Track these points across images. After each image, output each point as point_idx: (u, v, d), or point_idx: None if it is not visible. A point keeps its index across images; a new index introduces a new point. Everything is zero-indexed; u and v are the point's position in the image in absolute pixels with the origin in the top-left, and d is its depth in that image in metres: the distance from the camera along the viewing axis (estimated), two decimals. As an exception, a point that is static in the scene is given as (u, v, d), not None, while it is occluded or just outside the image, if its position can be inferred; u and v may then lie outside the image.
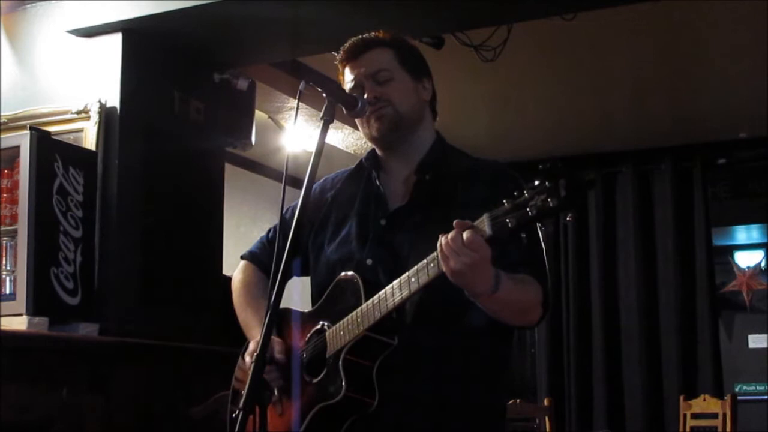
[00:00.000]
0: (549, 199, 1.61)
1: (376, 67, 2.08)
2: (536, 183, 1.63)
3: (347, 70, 2.11)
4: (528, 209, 1.63)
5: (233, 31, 4.05)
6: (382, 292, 1.88)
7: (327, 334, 1.99)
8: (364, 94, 2.06)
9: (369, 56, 2.10)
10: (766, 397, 8.59)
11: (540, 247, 1.97)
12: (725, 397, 5.24)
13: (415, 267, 1.82)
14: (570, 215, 1.62)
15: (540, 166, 1.62)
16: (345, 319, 1.95)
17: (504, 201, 1.68)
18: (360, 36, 2.13)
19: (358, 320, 1.91)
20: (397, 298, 1.85)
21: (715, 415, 5.20)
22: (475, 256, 1.71)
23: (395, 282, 1.86)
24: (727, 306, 8.83)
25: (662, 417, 6.41)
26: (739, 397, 5.45)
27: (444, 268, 1.74)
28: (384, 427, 1.93)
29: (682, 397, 5.49)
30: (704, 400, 5.36)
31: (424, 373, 1.95)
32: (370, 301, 1.90)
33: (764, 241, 8.95)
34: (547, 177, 1.61)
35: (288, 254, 1.82)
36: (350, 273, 2.00)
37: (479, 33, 4.50)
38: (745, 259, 9.17)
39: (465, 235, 1.71)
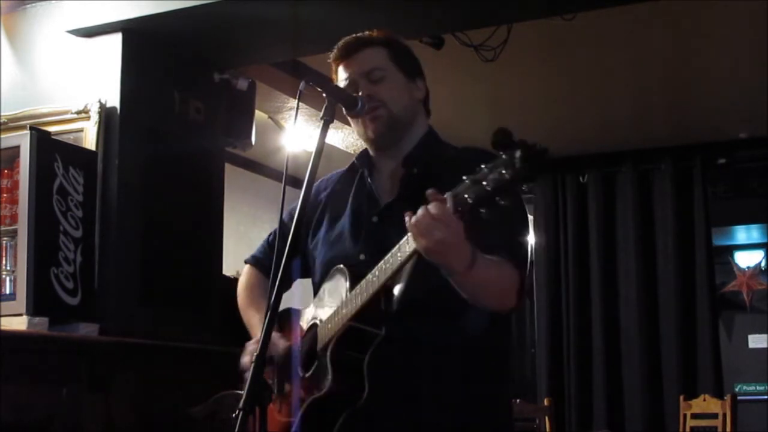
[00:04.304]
0: (504, 172, 1.59)
1: (370, 65, 2.09)
2: (495, 156, 1.61)
3: (341, 69, 2.12)
4: (485, 183, 1.62)
5: (233, 31, 4.05)
6: (363, 281, 1.88)
7: (318, 328, 2.01)
8: (357, 93, 2.06)
9: (363, 55, 2.10)
10: (766, 397, 8.59)
11: (520, 234, 1.97)
12: (725, 397, 5.25)
13: (391, 251, 1.82)
14: (525, 186, 1.61)
15: (494, 136, 1.62)
16: (332, 312, 1.96)
17: (464, 177, 1.66)
18: (353, 35, 2.13)
19: (343, 311, 1.92)
20: (377, 284, 1.84)
21: (715, 415, 5.20)
22: (447, 230, 1.69)
23: (374, 269, 1.85)
24: (727, 306, 8.84)
25: (662, 417, 6.41)
26: (739, 397, 5.46)
27: (417, 244, 1.73)
28: (385, 423, 1.93)
29: (682, 397, 5.50)
30: (704, 400, 5.37)
31: (424, 369, 1.95)
32: (353, 290, 1.91)
33: (764, 241, 8.96)
34: (501, 149, 1.60)
35: (287, 257, 1.82)
36: (340, 266, 2.00)
37: (479, 33, 4.50)
38: (745, 259, 9.17)
39: (432, 209, 1.70)
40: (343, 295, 1.94)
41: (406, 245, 1.78)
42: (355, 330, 1.90)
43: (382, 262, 1.84)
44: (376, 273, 1.85)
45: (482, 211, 1.65)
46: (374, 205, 2.10)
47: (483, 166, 1.63)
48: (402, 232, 1.82)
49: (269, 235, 2.36)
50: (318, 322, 2.03)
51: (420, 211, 1.72)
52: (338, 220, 2.14)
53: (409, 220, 1.73)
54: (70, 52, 4.08)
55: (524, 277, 1.94)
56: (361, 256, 2.03)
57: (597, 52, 5.18)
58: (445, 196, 1.69)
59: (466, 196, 1.65)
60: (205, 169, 4.33)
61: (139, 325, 3.84)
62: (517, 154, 1.57)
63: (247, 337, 2.19)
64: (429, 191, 1.72)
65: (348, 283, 1.94)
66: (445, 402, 1.96)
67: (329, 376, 1.90)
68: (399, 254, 1.80)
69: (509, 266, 1.90)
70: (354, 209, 2.13)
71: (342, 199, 2.17)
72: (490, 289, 1.88)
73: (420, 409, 1.95)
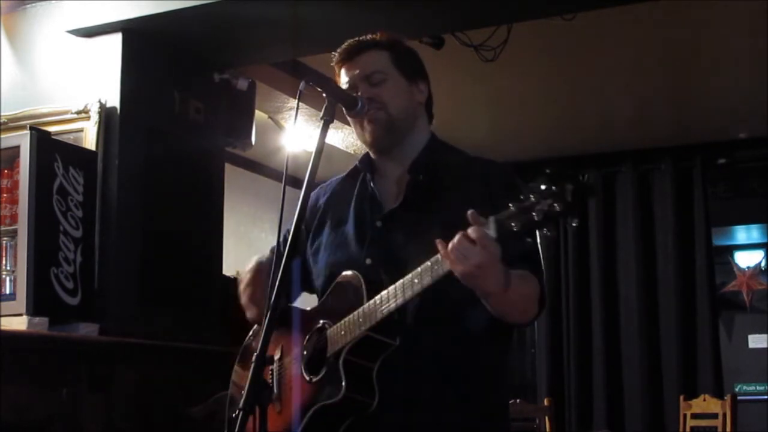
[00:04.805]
0: (555, 204, 1.60)
1: (371, 68, 2.09)
2: (543, 187, 1.62)
3: (343, 72, 2.12)
4: (534, 213, 1.63)
5: (233, 31, 4.05)
6: (384, 293, 1.87)
7: (328, 333, 1.99)
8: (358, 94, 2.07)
9: (364, 58, 2.10)
10: (766, 397, 8.58)
11: (536, 242, 1.98)
12: (725, 397, 5.24)
13: (419, 268, 1.81)
14: (576, 220, 1.62)
15: (547, 171, 1.62)
16: (346, 319, 1.94)
17: (510, 204, 1.67)
18: (356, 38, 2.14)
19: (360, 320, 1.90)
20: (400, 299, 1.84)
21: (715, 415, 5.20)
22: (485, 254, 1.70)
23: (398, 282, 1.85)
24: (727, 306, 8.83)
25: (662, 417, 6.41)
26: (739, 397, 5.45)
27: (454, 269, 1.73)
28: (386, 429, 1.93)
29: (682, 397, 5.49)
30: (704, 400, 5.36)
31: (426, 374, 1.95)
32: (372, 301, 1.89)
33: (764, 241, 8.95)
34: (553, 181, 1.61)
35: (287, 257, 1.82)
36: (352, 272, 1.99)
37: (479, 33, 4.50)
38: (745, 259, 9.16)
39: (474, 234, 1.70)
40: (360, 304, 1.92)
41: (439, 266, 1.77)
42: (371, 339, 1.90)
43: (409, 275, 1.83)
44: (401, 289, 1.84)
45: (528, 240, 1.68)
46: (377, 209, 2.09)
47: (531, 195, 1.64)
48: (407, 238, 1.82)
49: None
50: (326, 325, 2.01)
51: (457, 237, 1.72)
52: (341, 224, 2.14)
53: (444, 247, 1.73)
54: (70, 52, 4.08)
55: (544, 286, 1.97)
56: (367, 261, 2.03)
57: (597, 52, 5.18)
58: (488, 220, 1.70)
59: (513, 224, 1.67)
60: (205, 169, 4.33)
61: (139, 325, 3.84)
62: (569, 187, 1.59)
63: (243, 335, 2.18)
64: (470, 212, 1.72)
65: (365, 292, 1.92)
66: (445, 405, 1.96)
67: (342, 383, 1.88)
68: (428, 275, 1.79)
69: (533, 279, 1.93)
70: (357, 213, 2.12)
71: (344, 203, 2.16)
72: (519, 305, 1.90)
73: (421, 413, 1.95)
